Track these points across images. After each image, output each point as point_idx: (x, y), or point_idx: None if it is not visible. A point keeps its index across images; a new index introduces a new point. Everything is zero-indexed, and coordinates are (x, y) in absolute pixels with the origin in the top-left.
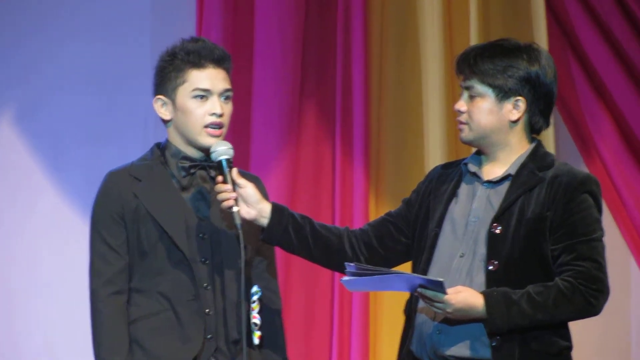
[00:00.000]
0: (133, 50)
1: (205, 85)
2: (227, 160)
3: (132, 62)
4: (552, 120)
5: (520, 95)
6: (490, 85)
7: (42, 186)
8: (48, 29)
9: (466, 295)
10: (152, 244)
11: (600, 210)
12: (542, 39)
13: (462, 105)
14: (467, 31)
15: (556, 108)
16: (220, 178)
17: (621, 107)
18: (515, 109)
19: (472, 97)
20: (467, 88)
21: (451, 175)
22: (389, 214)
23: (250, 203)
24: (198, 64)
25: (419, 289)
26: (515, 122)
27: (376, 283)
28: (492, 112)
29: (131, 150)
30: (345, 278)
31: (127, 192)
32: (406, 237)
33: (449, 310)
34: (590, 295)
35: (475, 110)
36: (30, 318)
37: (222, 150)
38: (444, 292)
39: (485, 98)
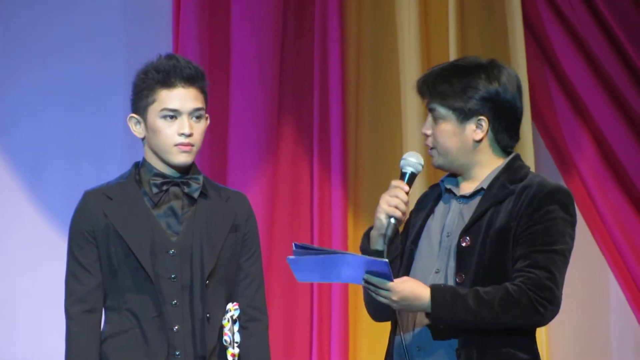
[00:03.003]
0: (109, 68)
1: (173, 105)
2: (413, 174)
3: (109, 80)
4: (531, 137)
5: (482, 114)
6: (450, 107)
7: (21, 203)
8: (26, 48)
9: (412, 285)
10: (121, 261)
11: (572, 222)
12: (520, 57)
13: (427, 129)
14: (446, 49)
15: (534, 125)
16: (405, 187)
17: (599, 123)
18: (479, 128)
19: (435, 120)
20: (431, 110)
21: (432, 194)
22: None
23: (400, 223)
24: (167, 83)
25: (365, 276)
26: (479, 141)
27: (323, 268)
28: (455, 134)
29: (110, 168)
30: (291, 257)
31: (98, 211)
32: None
33: (394, 297)
34: (538, 303)
35: (439, 133)
36: (9, 334)
37: (411, 162)
38: (390, 279)
39: (447, 120)
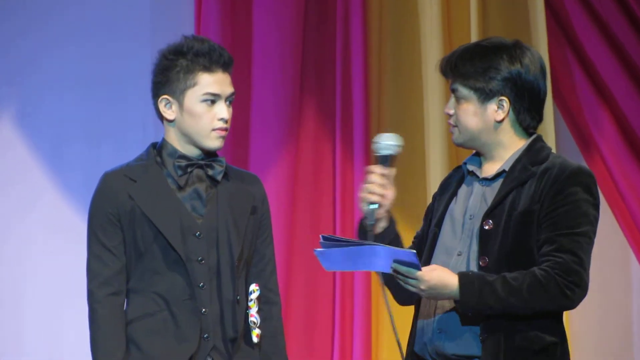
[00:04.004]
0: (132, 51)
1: (215, 90)
2: (392, 156)
3: (131, 63)
4: (552, 118)
5: (503, 95)
6: (472, 87)
7: (42, 186)
8: (48, 28)
9: (440, 273)
10: (148, 244)
11: (594, 203)
12: (541, 37)
13: (449, 108)
14: (467, 31)
15: (555, 106)
16: (377, 170)
17: (620, 103)
18: (500, 109)
19: (458, 100)
20: (453, 91)
21: (455, 177)
22: (415, 237)
23: (385, 207)
24: (209, 68)
25: (394, 265)
26: (500, 121)
27: (350, 259)
28: (476, 114)
29: (130, 150)
30: (319, 249)
31: (122, 193)
32: None
33: (422, 287)
34: (566, 287)
35: (461, 113)
36: (28, 317)
37: (389, 145)
38: (418, 268)
39: (469, 100)
